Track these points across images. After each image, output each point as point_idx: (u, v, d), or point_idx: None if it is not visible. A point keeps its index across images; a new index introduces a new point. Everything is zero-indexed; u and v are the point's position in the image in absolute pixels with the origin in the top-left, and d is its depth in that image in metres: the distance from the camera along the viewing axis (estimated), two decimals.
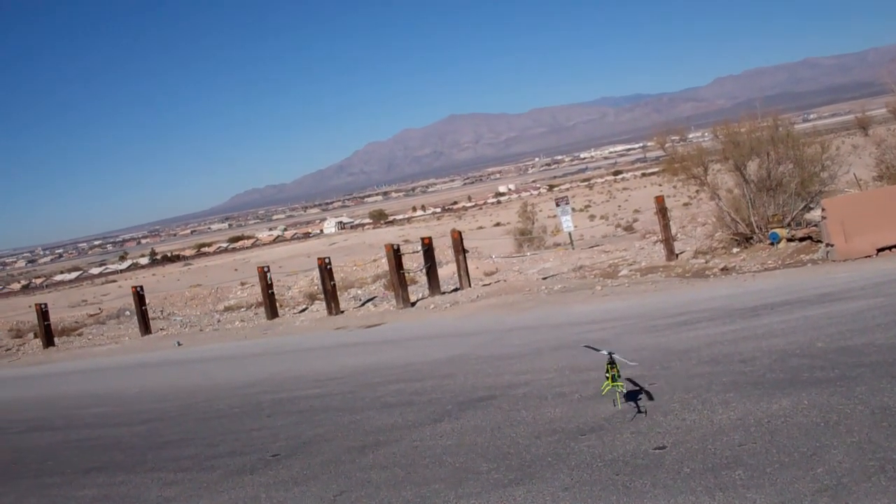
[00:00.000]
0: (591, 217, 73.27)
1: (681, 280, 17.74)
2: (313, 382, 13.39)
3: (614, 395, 8.47)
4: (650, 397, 8.69)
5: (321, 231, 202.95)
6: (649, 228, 35.31)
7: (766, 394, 8.19)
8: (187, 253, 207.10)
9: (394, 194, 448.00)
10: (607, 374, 8.48)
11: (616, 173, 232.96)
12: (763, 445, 6.82)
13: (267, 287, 24.12)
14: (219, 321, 27.50)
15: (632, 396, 8.68)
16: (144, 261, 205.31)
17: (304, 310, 25.95)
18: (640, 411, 8.35)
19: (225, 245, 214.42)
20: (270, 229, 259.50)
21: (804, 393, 7.98)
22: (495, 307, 18.42)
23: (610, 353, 8.62)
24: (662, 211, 21.31)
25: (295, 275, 44.02)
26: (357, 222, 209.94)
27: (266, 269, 24.21)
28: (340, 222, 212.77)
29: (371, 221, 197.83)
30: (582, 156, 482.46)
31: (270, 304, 24.28)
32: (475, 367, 12.23)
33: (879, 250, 15.76)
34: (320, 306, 23.99)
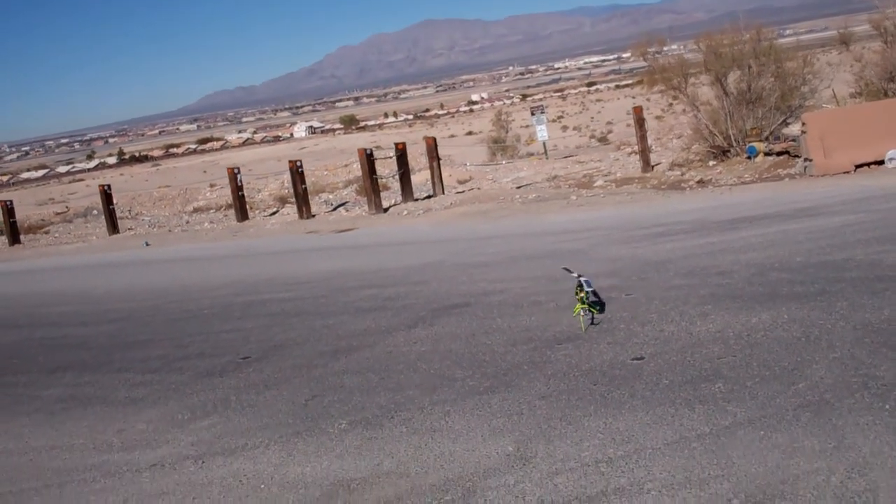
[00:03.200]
0: (565, 128, 72.76)
1: (657, 192, 17.60)
2: (284, 286, 13.20)
3: (581, 317, 8.29)
4: (601, 309, 8.52)
5: (291, 135, 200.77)
6: (624, 140, 35.14)
7: (745, 307, 8.10)
8: (155, 153, 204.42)
9: (365, 100, 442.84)
10: (577, 296, 8.36)
11: (590, 84, 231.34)
12: (743, 359, 6.74)
13: (237, 189, 23.73)
14: (187, 222, 27.14)
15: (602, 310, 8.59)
16: (112, 160, 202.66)
17: (274, 213, 25.64)
18: (593, 322, 8.28)
19: (194, 147, 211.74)
20: (240, 132, 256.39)
21: (784, 307, 7.89)
22: (469, 215, 18.23)
23: (579, 277, 8.49)
24: (640, 122, 21.06)
25: (265, 178, 43.49)
26: (328, 127, 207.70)
27: (236, 171, 23.79)
28: (311, 127, 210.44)
29: (342, 127, 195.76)
30: (556, 66, 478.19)
31: (241, 207, 23.93)
32: (449, 274, 12.08)
33: (857, 166, 15.66)
34: (291, 210, 23.69)
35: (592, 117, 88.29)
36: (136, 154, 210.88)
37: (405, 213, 20.23)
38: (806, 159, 16.26)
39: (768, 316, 7.70)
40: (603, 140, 43.13)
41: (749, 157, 18.83)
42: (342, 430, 6.54)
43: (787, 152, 18.27)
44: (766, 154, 18.57)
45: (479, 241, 14.95)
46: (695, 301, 8.57)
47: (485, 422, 6.26)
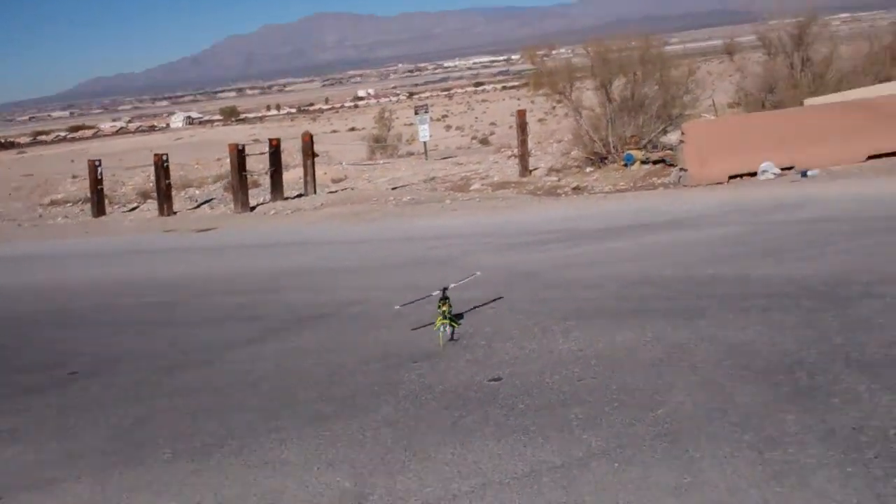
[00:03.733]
0: (448, 127, 72.46)
1: (532, 197, 17.31)
2: (132, 289, 12.34)
3: (440, 334, 7.75)
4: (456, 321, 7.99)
5: (167, 125, 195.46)
6: (504, 142, 34.94)
7: (610, 324, 7.74)
8: (22, 140, 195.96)
9: (249, 91, 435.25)
10: (439, 309, 7.87)
11: (478, 84, 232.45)
12: (603, 381, 6.34)
13: (96, 182, 22.42)
14: (40, 216, 25.60)
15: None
16: None
17: (134, 208, 24.41)
18: (452, 339, 7.79)
19: (64, 134, 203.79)
20: (114, 120, 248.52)
21: (648, 325, 7.56)
22: (340, 216, 17.58)
23: (444, 291, 8.02)
24: (522, 126, 20.79)
25: (133, 169, 41.79)
26: (206, 118, 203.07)
27: (97, 163, 22.49)
28: (189, 117, 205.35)
29: (221, 118, 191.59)
30: (446, 65, 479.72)
31: (98, 201, 22.62)
32: (310, 280, 11.46)
33: (731, 177, 15.66)
34: (153, 205, 22.57)
35: (477, 118, 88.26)
36: (2, 140, 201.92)
37: (272, 212, 19.45)
38: (682, 169, 16.20)
39: (632, 334, 7.35)
40: (484, 142, 42.91)
41: (626, 165, 18.74)
42: (165, 460, 5.87)
43: (663, 161, 18.26)
44: (643, 162, 18.52)
45: (347, 245, 14.36)
46: (559, 316, 8.18)
47: (323, 452, 5.69)
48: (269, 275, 12.24)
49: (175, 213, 21.47)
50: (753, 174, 15.68)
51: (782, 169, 15.63)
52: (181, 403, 6.99)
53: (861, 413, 5.26)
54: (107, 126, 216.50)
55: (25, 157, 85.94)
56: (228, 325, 9.44)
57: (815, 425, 5.17)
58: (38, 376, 8.27)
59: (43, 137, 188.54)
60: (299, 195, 21.56)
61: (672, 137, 20.23)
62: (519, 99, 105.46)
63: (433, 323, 7.96)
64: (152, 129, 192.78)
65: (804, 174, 15.22)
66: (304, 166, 21.89)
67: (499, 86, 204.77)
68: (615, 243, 11.47)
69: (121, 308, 11.08)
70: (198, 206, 22.89)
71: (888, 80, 21.26)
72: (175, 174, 28.48)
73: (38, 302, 12.08)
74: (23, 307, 11.80)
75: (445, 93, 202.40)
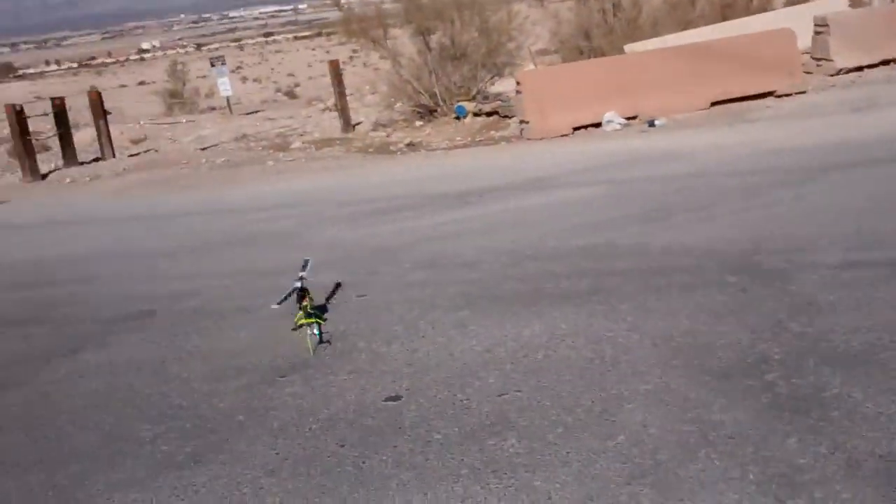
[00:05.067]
0: (244, 79, 69.45)
1: (364, 156, 15.85)
2: None
3: (308, 337, 6.30)
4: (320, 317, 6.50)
5: None
6: (313, 95, 33.18)
7: (510, 312, 6.53)
8: None
9: (23, 46, 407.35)
10: (299, 306, 6.44)
11: (267, 35, 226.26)
12: (530, 395, 5.14)
13: None
14: None
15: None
16: None
17: None
18: (322, 341, 6.38)
19: None
20: None
21: (555, 313, 6.40)
22: (147, 184, 15.55)
23: (301, 280, 6.57)
24: (338, 77, 19.19)
25: None
26: None
27: None
28: None
29: None
30: (231, 15, 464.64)
31: None
32: (126, 267, 9.65)
33: (575, 129, 14.78)
34: None
35: (273, 69, 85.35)
36: None
37: (68, 180, 17.13)
38: (522, 121, 15.16)
39: (542, 326, 6.16)
40: (290, 94, 40.92)
41: (458, 118, 17.58)
42: None
43: (496, 112, 17.20)
44: (476, 115, 17.41)
45: (162, 219, 12.46)
46: (445, 304, 6.90)
47: None
48: (75, 260, 10.32)
49: None
50: (598, 125, 14.88)
51: (627, 118, 14.89)
52: None
53: (877, 431, 4.27)
54: None
55: None
56: (35, 330, 7.62)
57: (829, 454, 4.12)
58: None
59: None
60: (96, 159, 19.20)
61: (500, 87, 19.22)
62: (314, 49, 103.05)
63: (294, 322, 6.54)
64: None
65: (651, 123, 14.54)
66: (97, 126, 19.48)
67: (290, 35, 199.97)
68: (476, 209, 10.27)
69: None
70: None
71: (689, 24, 21.09)
72: None
73: None
74: None
75: (236, 44, 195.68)
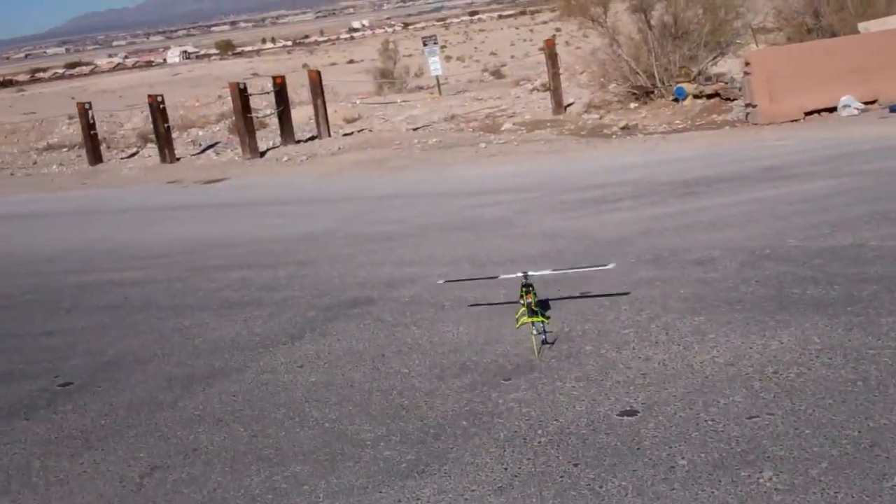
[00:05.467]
0: (448, 58, 69.95)
1: (577, 139, 15.37)
2: (133, 260, 10.54)
3: (532, 336, 5.89)
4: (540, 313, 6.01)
5: (164, 60, 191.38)
6: (521, 75, 32.80)
7: (752, 320, 5.95)
8: (20, 78, 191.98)
9: (242, 24, 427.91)
10: (521, 303, 6.07)
11: (472, 14, 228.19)
12: (785, 419, 4.58)
13: (88, 127, 20.45)
14: (35, 163, 23.64)
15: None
16: None
17: (134, 154, 22.43)
18: (545, 342, 5.96)
19: (61, 71, 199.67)
20: (110, 56, 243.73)
21: (807, 323, 5.77)
22: (362, 164, 15.66)
23: (525, 275, 6.18)
24: (552, 56, 18.76)
25: (133, 108, 39.63)
26: (203, 52, 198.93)
27: (87, 106, 20.49)
28: (185, 52, 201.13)
29: (218, 52, 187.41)
30: None
31: (93, 148, 20.69)
32: (343, 250, 9.62)
33: (807, 114, 13.75)
34: (154, 150, 20.63)
35: (476, 48, 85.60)
36: (0, 78, 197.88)
37: (285, 159, 17.51)
38: (748, 104, 14.25)
39: (791, 339, 5.55)
40: (497, 74, 40.68)
41: (677, 100, 16.79)
42: None
43: (718, 94, 16.29)
44: (696, 97, 16.55)
45: (377, 201, 12.44)
46: (678, 307, 6.38)
47: None
48: (293, 241, 10.41)
49: (178, 159, 19.55)
50: (831, 110, 13.81)
51: (865, 103, 13.73)
52: (206, 441, 5.21)
53: None
54: (104, 62, 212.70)
55: (25, 95, 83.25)
56: (253, 313, 7.64)
57: None
58: (22, 387, 6.54)
59: (41, 75, 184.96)
60: (312, 137, 19.61)
61: (722, 68, 18.22)
62: (517, 28, 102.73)
63: (515, 319, 6.20)
64: (149, 64, 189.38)
65: (893, 109, 13.33)
66: (315, 106, 19.88)
67: (494, 14, 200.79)
68: (703, 200, 9.61)
69: (120, 285, 9.26)
70: (202, 151, 20.90)
71: None
72: (175, 113, 26.55)
73: (27, 276, 10.30)
74: (7, 285, 10.00)
75: (441, 23, 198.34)
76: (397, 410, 5.33)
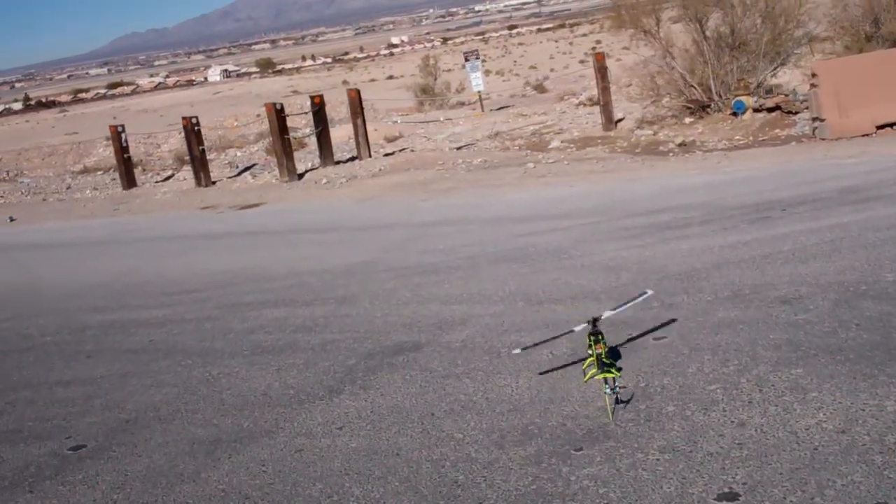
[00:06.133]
0: (487, 72, 69.38)
1: (632, 158, 14.52)
2: (160, 295, 9.88)
3: (605, 395, 5.16)
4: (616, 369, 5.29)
5: (205, 79, 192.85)
6: (565, 89, 32.01)
7: (860, 374, 5.12)
8: (63, 98, 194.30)
9: (282, 42, 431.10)
10: (590, 352, 5.30)
11: (511, 28, 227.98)
12: None
13: (121, 150, 19.94)
14: (69, 187, 23.22)
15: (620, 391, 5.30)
16: (18, 106, 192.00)
17: (169, 177, 21.91)
18: (619, 401, 5.16)
19: (103, 91, 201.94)
20: (152, 76, 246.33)
21: None
22: (404, 187, 14.92)
23: (594, 322, 5.40)
24: (602, 70, 17.95)
25: (173, 127, 39.42)
26: (243, 70, 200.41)
27: (119, 129, 19.95)
28: (226, 70, 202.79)
29: (258, 70, 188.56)
30: (477, 8, 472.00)
31: (126, 172, 20.19)
32: (386, 285, 8.87)
33: (879, 128, 12.82)
34: (190, 173, 20.10)
35: (515, 61, 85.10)
36: (43, 99, 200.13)
37: (324, 181, 16.85)
38: (815, 118, 13.34)
39: None
40: (539, 88, 39.96)
41: (735, 114, 15.90)
42: None
43: (779, 108, 15.38)
44: (756, 111, 15.64)
45: (422, 228, 11.68)
46: (769, 356, 5.55)
47: None
48: (332, 274, 9.68)
49: (214, 182, 18.98)
50: None
51: None
52: None
53: None
54: (145, 82, 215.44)
55: (68, 115, 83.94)
56: (287, 360, 6.92)
57: None
58: (30, 452, 5.84)
59: (83, 95, 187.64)
60: (352, 158, 18.95)
61: (781, 79, 17.29)
62: (556, 41, 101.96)
63: (583, 371, 5.43)
64: (190, 83, 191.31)
65: None
66: (355, 126, 19.21)
67: (533, 28, 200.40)
68: (781, 227, 8.74)
69: (146, 325, 8.60)
70: (239, 174, 20.31)
71: None
72: (213, 134, 26.10)
73: (50, 314, 9.68)
74: (28, 323, 9.38)
75: (480, 37, 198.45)
76: (451, 488, 4.56)
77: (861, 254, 7.42)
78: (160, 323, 8.64)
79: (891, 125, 12.89)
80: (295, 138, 19.80)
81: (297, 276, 9.81)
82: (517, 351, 5.98)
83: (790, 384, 5.13)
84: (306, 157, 20.02)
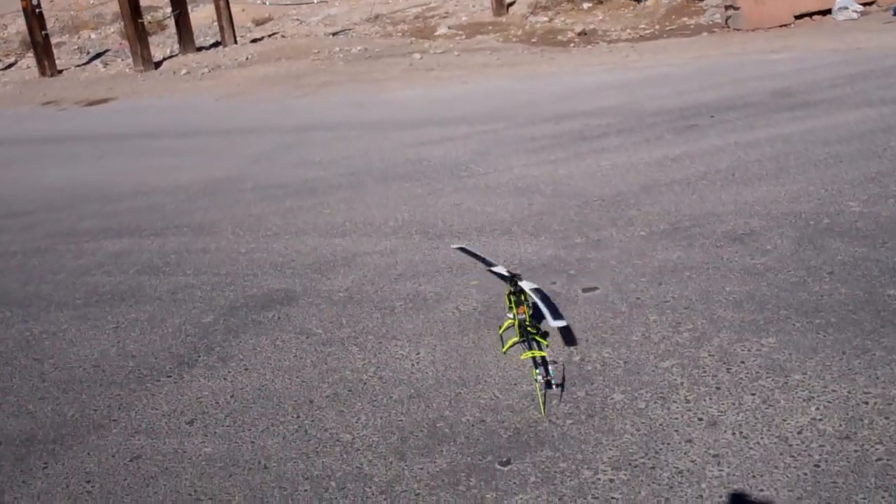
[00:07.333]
0: None
1: (529, 49, 13.18)
2: None
3: (535, 382, 3.98)
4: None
5: None
6: None
7: (851, 347, 4.11)
8: None
9: None
10: (510, 315, 4.15)
11: None
12: None
13: None
14: None
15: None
16: None
17: (12, 64, 19.53)
18: (550, 384, 3.96)
19: None
20: None
21: None
22: (274, 79, 13.26)
23: (513, 276, 4.22)
24: None
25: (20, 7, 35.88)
26: None
27: None
28: None
29: None
30: None
31: None
32: (253, 209, 7.46)
33: (797, 17, 11.82)
34: (34, 61, 17.83)
35: None
36: None
37: (184, 71, 15.00)
38: (729, 6, 12.23)
39: None
40: None
41: (638, 1, 14.67)
42: None
43: None
44: None
45: (296, 134, 10.17)
46: (731, 319, 4.49)
47: None
48: (189, 194, 8.20)
49: (60, 72, 16.84)
50: (825, 12, 11.87)
51: (863, 4, 11.85)
52: None
53: None
54: None
55: None
56: (125, 316, 5.51)
57: None
58: None
59: None
60: (216, 44, 17.03)
61: None
62: None
63: (500, 338, 4.29)
64: None
65: None
66: (217, 7, 17.23)
67: None
68: (715, 138, 7.64)
69: None
70: (89, 61, 18.13)
71: None
72: (66, 14, 23.49)
73: None
74: None
75: None
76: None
77: (813, 174, 6.39)
78: None
79: (810, 15, 11.91)
80: (151, 21, 17.69)
81: (147, 196, 8.28)
82: (455, 247, 4.70)
83: (764, 361, 4.05)
84: (165, 42, 18.00)
